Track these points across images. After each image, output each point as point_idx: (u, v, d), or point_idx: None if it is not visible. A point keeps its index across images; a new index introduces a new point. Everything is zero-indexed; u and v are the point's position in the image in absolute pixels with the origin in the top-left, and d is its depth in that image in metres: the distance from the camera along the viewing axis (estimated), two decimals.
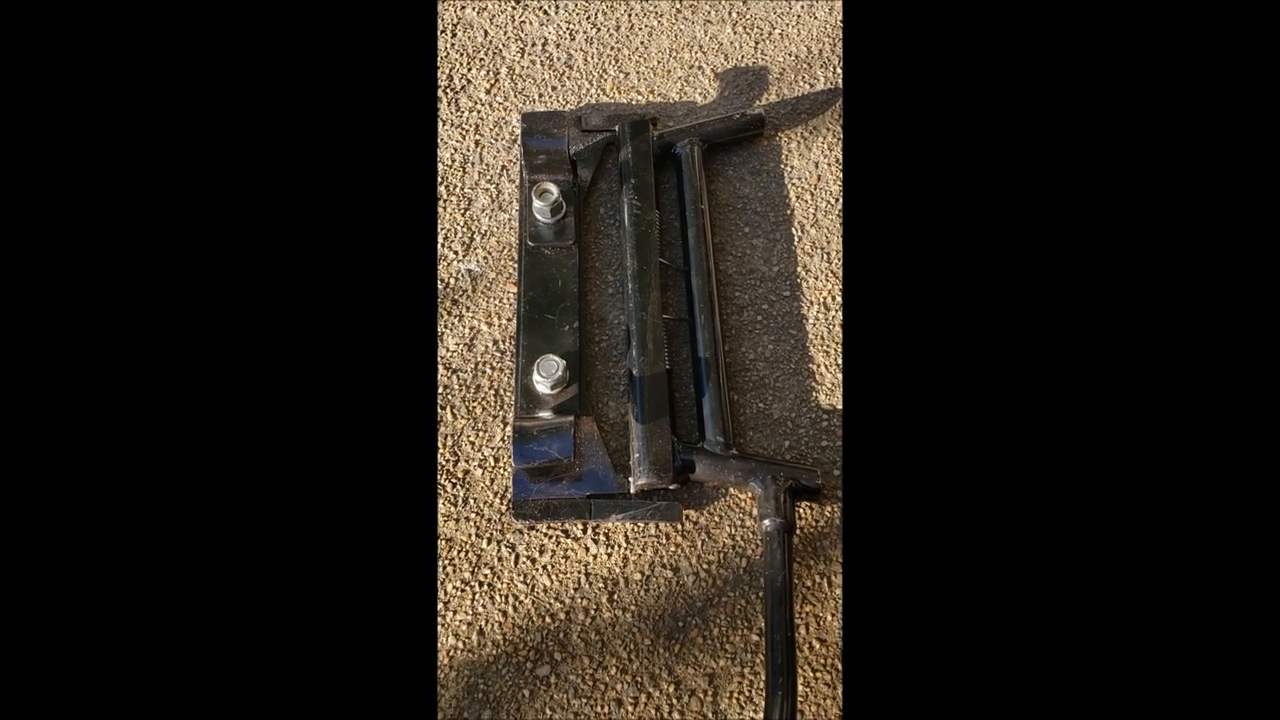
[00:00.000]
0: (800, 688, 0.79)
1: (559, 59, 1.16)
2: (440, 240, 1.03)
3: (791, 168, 1.08)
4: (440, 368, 0.95)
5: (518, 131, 1.09)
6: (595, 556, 0.86)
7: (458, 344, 0.97)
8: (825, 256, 1.02)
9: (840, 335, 0.97)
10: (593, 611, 0.83)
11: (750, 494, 0.87)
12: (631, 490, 0.86)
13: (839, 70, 1.15)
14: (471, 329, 0.98)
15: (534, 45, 1.17)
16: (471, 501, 0.88)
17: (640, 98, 1.13)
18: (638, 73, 1.15)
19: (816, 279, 1.01)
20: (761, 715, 0.78)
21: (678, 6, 1.20)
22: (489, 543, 0.87)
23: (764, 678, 0.79)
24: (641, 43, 1.18)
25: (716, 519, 0.87)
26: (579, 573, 0.85)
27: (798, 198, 1.06)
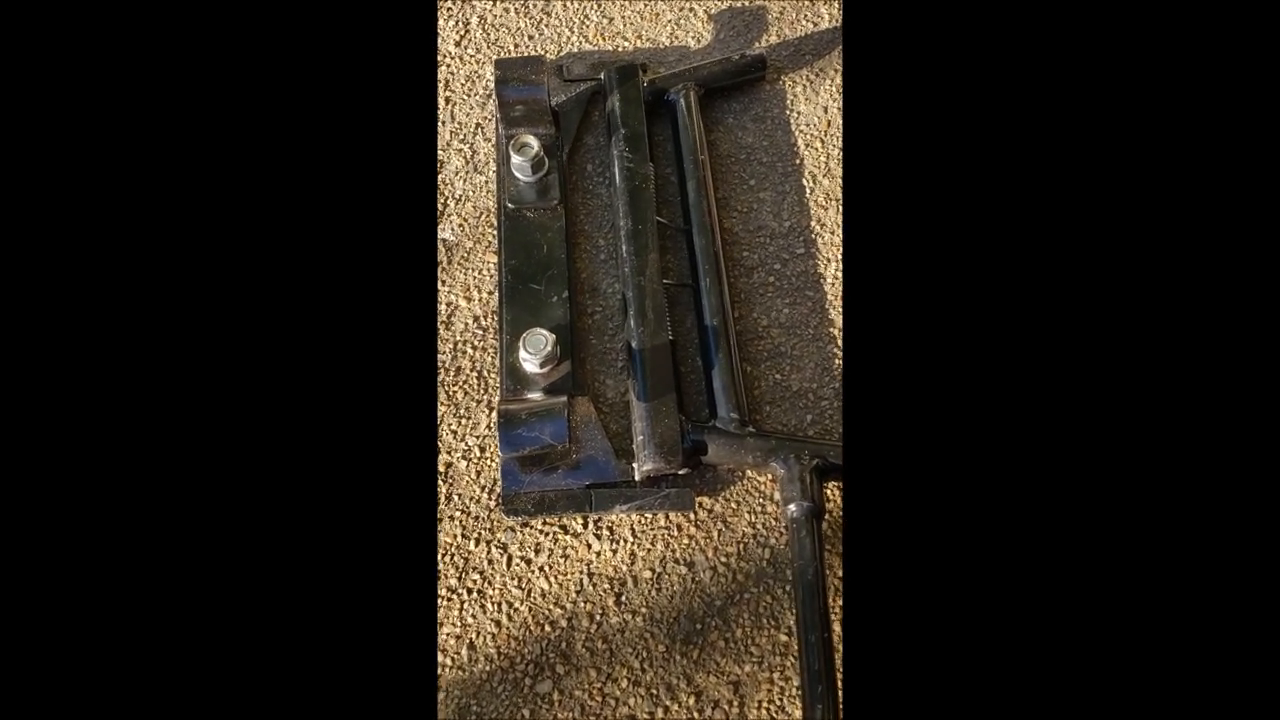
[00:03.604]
0: (842, 695, 0.69)
1: (535, 5, 1.05)
2: None
3: (798, 113, 0.98)
4: None
5: (492, 85, 0.98)
6: (598, 554, 0.76)
7: None
8: (841, 208, 0.92)
9: None
10: (598, 617, 0.74)
11: (771, 476, 0.78)
12: (636, 477, 0.77)
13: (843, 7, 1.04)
14: (449, 304, 0.88)
15: None
16: (456, 498, 0.79)
17: (627, 44, 1.03)
18: (623, 17, 1.04)
19: (833, 234, 0.91)
20: None
21: None
22: (477, 544, 0.77)
23: (798, 685, 0.69)
24: None
25: (734, 506, 0.78)
26: (581, 573, 0.75)
27: (807, 145, 0.96)
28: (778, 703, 0.70)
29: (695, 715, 0.70)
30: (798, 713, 0.70)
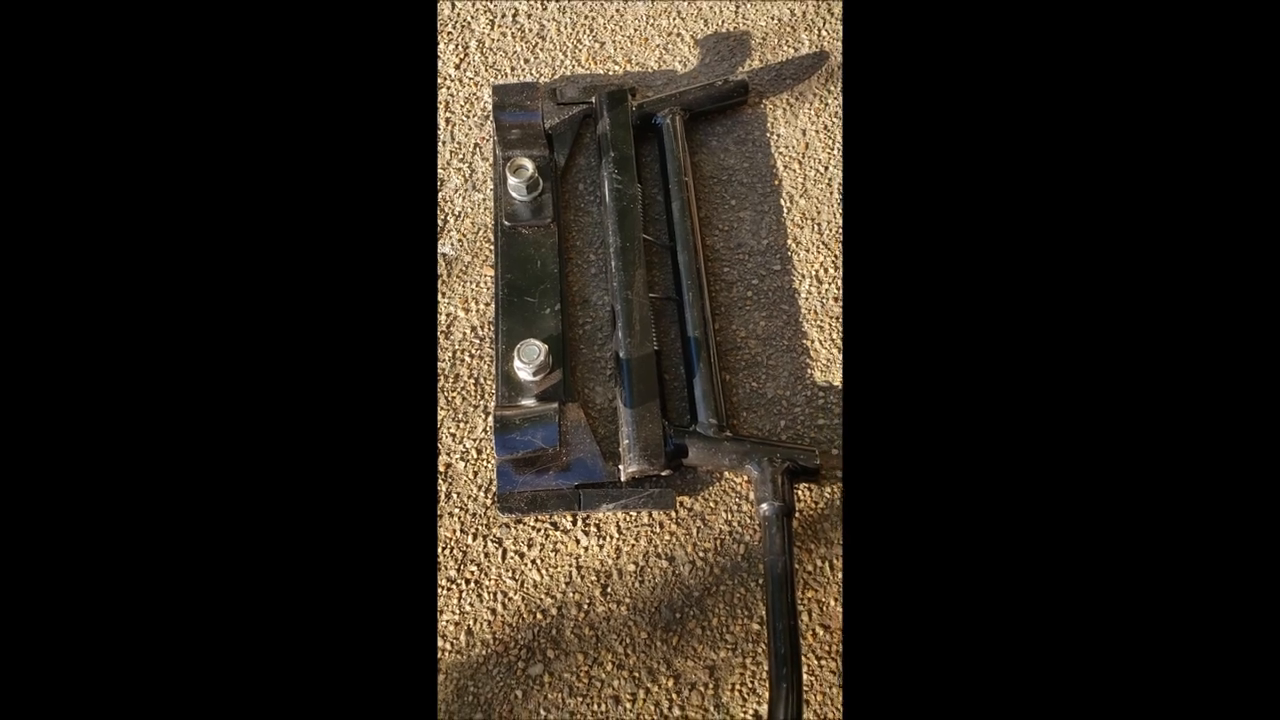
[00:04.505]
0: (805, 676, 0.76)
1: (530, 30, 1.11)
2: None
3: (778, 136, 1.03)
4: None
5: (489, 107, 1.04)
6: (586, 549, 0.82)
7: None
8: (816, 227, 0.98)
9: (834, 309, 0.93)
10: (586, 606, 0.80)
11: (746, 477, 0.84)
12: (622, 478, 0.82)
13: (824, 33, 1.10)
14: (448, 315, 0.93)
15: (504, 16, 1.12)
16: (455, 496, 0.84)
17: (617, 68, 1.08)
18: (614, 42, 1.10)
19: (808, 251, 0.97)
20: (765, 707, 0.75)
21: None
22: (474, 538, 0.83)
23: (767, 668, 0.76)
24: (617, 10, 1.12)
25: (712, 505, 0.84)
26: (570, 566, 0.81)
27: (785, 167, 1.02)
28: (749, 685, 0.77)
29: (674, 696, 0.76)
30: (767, 694, 0.76)
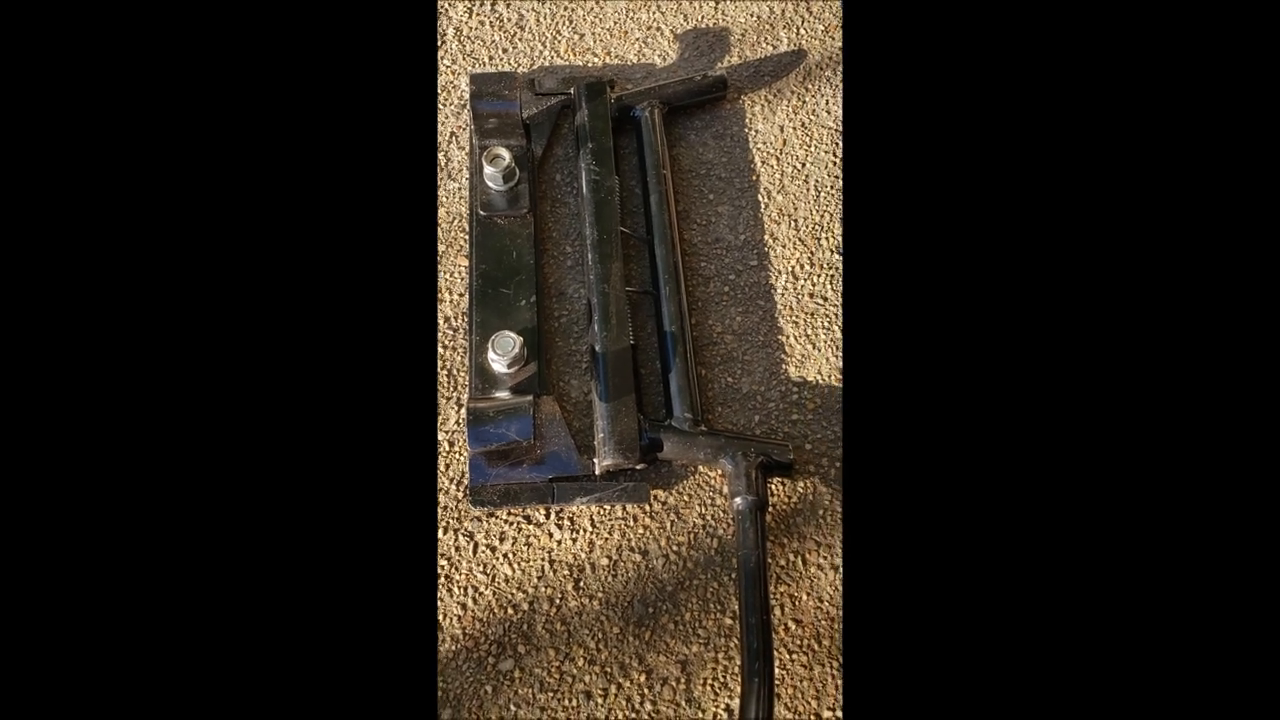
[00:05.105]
0: (777, 670, 0.76)
1: (509, 19, 1.10)
2: None
3: (756, 132, 1.04)
4: None
5: (466, 96, 1.02)
6: (559, 542, 0.81)
7: None
8: (793, 223, 0.98)
9: (810, 305, 0.93)
10: (557, 601, 0.79)
11: (720, 471, 0.84)
12: (596, 472, 0.82)
13: (802, 31, 1.10)
14: None
15: (482, 4, 1.11)
16: None
17: (596, 60, 1.08)
18: (593, 34, 1.09)
19: (784, 247, 0.97)
20: (737, 701, 0.75)
21: None
22: (445, 532, 0.81)
23: (739, 662, 0.76)
24: (596, 2, 1.12)
25: (686, 499, 0.84)
26: (542, 560, 0.81)
27: (763, 163, 1.02)
28: (721, 679, 0.76)
29: (646, 691, 0.76)
30: (739, 689, 0.76)
